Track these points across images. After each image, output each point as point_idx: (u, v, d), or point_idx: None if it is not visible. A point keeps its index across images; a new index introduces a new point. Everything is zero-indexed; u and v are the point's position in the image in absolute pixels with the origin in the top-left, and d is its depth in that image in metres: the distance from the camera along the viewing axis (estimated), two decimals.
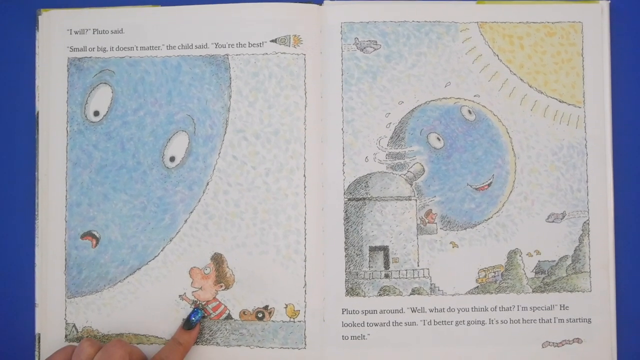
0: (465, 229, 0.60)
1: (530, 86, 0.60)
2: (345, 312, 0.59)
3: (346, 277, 0.59)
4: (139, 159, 0.60)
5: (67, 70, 0.60)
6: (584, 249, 0.60)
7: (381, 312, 0.59)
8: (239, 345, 0.59)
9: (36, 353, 0.59)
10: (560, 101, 0.60)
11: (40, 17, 0.61)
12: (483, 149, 0.60)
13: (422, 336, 0.59)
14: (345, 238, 0.59)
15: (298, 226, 0.59)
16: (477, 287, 0.59)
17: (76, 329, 0.59)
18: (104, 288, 0.59)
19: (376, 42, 0.60)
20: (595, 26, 0.61)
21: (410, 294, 0.59)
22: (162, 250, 0.59)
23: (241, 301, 0.59)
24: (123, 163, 0.60)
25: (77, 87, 0.60)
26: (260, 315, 0.59)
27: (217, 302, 0.59)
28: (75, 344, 0.58)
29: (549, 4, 0.61)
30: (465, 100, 0.60)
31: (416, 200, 0.60)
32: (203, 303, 0.59)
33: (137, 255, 0.59)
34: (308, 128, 0.60)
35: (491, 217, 0.60)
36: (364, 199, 0.60)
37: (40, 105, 0.60)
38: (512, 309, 0.59)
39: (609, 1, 0.61)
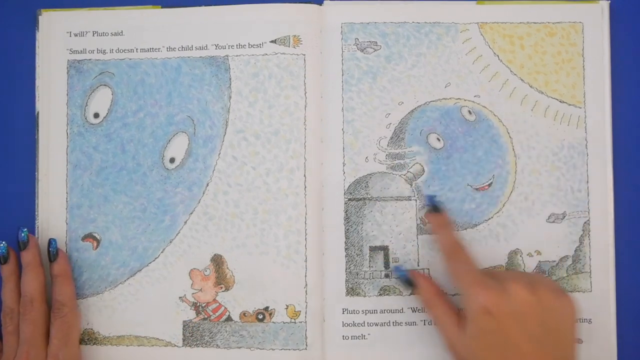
0: (465, 229, 0.60)
1: (531, 86, 0.60)
2: (345, 312, 0.59)
3: (346, 277, 0.59)
4: (139, 161, 0.60)
5: (67, 73, 0.60)
6: (584, 249, 0.60)
7: (381, 312, 0.59)
8: (240, 347, 0.59)
9: None
10: (560, 101, 0.60)
11: (40, 18, 0.61)
12: (483, 149, 0.60)
13: (422, 336, 0.59)
14: (346, 238, 0.59)
15: (298, 226, 0.59)
16: None
17: None
18: (104, 290, 0.59)
19: (376, 42, 0.60)
20: (596, 26, 0.60)
21: (411, 294, 0.59)
22: (162, 252, 0.59)
23: (241, 302, 0.59)
24: (123, 165, 0.60)
25: (77, 89, 0.60)
26: (260, 316, 0.59)
27: (217, 304, 0.59)
28: None
29: (549, 4, 0.60)
30: (465, 100, 0.60)
31: (416, 200, 0.60)
32: (203, 304, 0.59)
33: (138, 257, 0.59)
34: (308, 128, 0.60)
35: (491, 218, 0.60)
36: (364, 199, 0.60)
37: (41, 106, 0.60)
38: None
39: (609, 1, 0.61)
